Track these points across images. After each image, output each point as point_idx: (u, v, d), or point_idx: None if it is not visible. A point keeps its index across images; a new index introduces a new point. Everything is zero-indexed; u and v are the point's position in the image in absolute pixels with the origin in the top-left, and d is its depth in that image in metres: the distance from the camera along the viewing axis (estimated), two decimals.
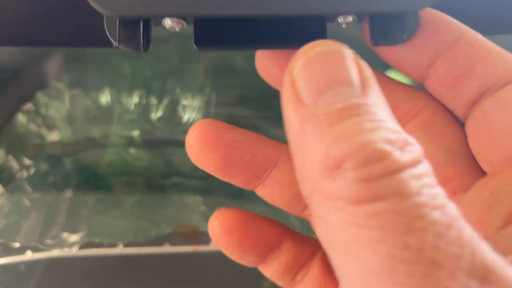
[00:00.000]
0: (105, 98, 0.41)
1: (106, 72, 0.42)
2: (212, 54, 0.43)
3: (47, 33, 0.24)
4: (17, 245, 0.38)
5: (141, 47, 0.23)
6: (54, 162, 0.46)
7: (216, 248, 0.38)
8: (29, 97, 0.47)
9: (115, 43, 0.22)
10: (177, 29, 0.24)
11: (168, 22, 0.23)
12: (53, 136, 0.47)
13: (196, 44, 0.23)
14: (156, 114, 0.40)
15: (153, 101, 0.40)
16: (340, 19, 0.22)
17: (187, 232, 0.40)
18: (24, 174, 0.43)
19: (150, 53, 0.43)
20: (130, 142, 0.41)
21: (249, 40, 0.23)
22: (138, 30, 0.23)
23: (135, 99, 0.40)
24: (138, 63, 0.42)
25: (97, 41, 0.24)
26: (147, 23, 0.23)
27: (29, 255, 0.38)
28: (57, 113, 0.48)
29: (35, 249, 0.38)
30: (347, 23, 0.23)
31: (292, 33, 0.23)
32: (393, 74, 0.63)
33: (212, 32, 0.23)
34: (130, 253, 0.39)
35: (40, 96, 0.47)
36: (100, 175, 0.43)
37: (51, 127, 0.48)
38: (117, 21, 0.22)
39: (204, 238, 0.40)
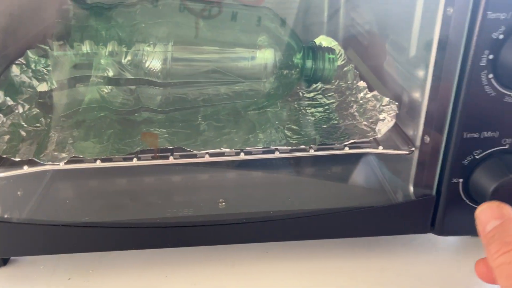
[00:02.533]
0: (85, 48, 0.51)
1: (86, 30, 0.53)
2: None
3: None
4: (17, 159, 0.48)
5: None
6: (43, 106, 0.56)
7: (172, 161, 0.49)
8: (21, 54, 0.58)
9: None
10: None
11: None
12: (42, 87, 0.58)
13: None
14: (125, 59, 0.51)
15: (123, 49, 0.51)
16: None
17: (149, 139, 0.50)
18: (20, 110, 0.54)
19: (119, 14, 0.54)
20: (106, 82, 0.52)
21: None
22: None
23: (109, 48, 0.51)
24: (111, 24, 0.53)
25: None
26: None
27: (25, 168, 0.48)
28: (44, 68, 0.58)
29: (30, 164, 0.48)
30: None
31: None
32: (322, 39, 0.75)
33: None
34: (106, 166, 0.49)
35: (29, 53, 0.58)
36: (82, 111, 0.54)
37: (40, 79, 0.58)
38: None
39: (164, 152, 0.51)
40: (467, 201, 0.49)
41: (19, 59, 0.57)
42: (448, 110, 0.46)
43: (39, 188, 0.58)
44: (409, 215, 0.52)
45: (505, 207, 0.36)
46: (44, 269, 0.53)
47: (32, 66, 0.58)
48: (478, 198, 0.48)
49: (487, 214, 0.37)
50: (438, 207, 0.51)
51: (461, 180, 0.48)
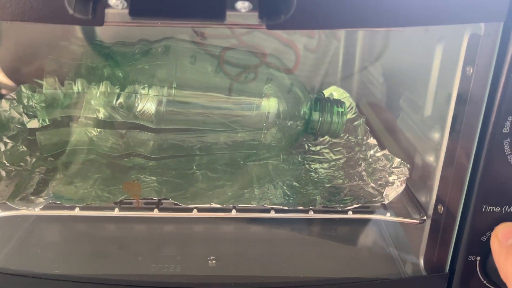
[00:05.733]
0: (76, 87, 0.48)
1: (80, 68, 0.50)
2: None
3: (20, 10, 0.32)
4: None
5: (90, 15, 0.31)
6: (31, 144, 0.53)
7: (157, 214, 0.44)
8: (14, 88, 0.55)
9: (71, 11, 0.31)
10: (120, 7, 0.33)
11: (112, 1, 0.32)
12: (32, 123, 0.55)
13: (130, 14, 0.31)
14: (117, 101, 0.48)
15: (116, 90, 0.48)
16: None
17: (132, 190, 0.46)
18: (2, 147, 0.50)
19: (116, 53, 0.51)
20: (95, 124, 0.49)
21: (167, 13, 0.31)
22: (89, 2, 0.31)
23: (101, 88, 0.48)
24: (107, 63, 0.51)
25: (56, 15, 0.32)
26: None
27: None
28: (37, 104, 0.56)
29: (4, 208, 0.44)
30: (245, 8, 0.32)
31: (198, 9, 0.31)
32: (333, 90, 0.72)
33: (141, 7, 0.31)
34: (84, 215, 0.45)
35: (23, 88, 0.55)
36: (69, 153, 0.50)
37: (31, 116, 0.55)
38: None
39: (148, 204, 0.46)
40: (484, 281, 0.44)
41: (10, 94, 0.55)
42: (465, 178, 0.41)
43: (19, 231, 0.54)
44: None
45: None
46: None
47: (25, 101, 0.56)
48: (497, 279, 0.42)
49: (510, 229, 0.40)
50: (451, 286, 0.45)
51: (478, 258, 0.43)
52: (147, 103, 0.48)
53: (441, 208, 0.44)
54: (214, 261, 0.51)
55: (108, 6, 0.32)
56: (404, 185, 0.46)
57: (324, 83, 0.74)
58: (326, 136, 0.61)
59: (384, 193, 0.46)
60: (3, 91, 0.56)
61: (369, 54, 0.72)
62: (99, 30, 0.57)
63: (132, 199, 0.46)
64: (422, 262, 0.48)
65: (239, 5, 0.31)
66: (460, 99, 0.40)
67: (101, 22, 0.33)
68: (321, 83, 0.75)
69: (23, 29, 0.57)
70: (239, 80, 0.50)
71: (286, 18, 0.31)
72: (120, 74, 0.49)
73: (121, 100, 0.48)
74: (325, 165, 0.56)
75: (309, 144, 0.61)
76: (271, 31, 0.59)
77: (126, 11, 0.32)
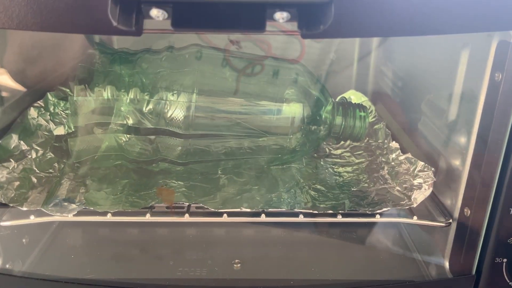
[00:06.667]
0: (106, 94, 0.49)
1: (109, 75, 0.51)
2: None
3: (62, 21, 0.33)
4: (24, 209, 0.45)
5: (133, 27, 0.32)
6: (57, 151, 0.54)
7: (188, 219, 0.45)
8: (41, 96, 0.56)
9: (114, 23, 0.31)
10: (161, 18, 0.34)
11: (154, 12, 0.33)
12: (59, 130, 0.55)
13: (172, 26, 0.32)
14: (147, 108, 0.49)
15: (145, 97, 0.49)
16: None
17: (165, 195, 0.47)
18: (33, 155, 0.51)
19: (143, 60, 0.52)
20: (125, 130, 0.49)
21: (210, 25, 0.32)
22: (132, 15, 0.32)
23: (131, 95, 0.49)
24: (135, 70, 0.51)
25: (99, 26, 0.32)
26: (139, 10, 0.32)
27: (32, 218, 0.45)
28: (63, 111, 0.56)
29: (38, 213, 0.45)
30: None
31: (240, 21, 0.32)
32: (352, 93, 0.73)
33: (184, 18, 0.32)
34: (116, 221, 0.46)
35: (49, 96, 0.56)
36: (98, 159, 0.51)
37: (57, 123, 0.56)
38: (118, 7, 0.31)
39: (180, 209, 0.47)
40: (510, 283, 0.44)
41: (38, 102, 0.55)
42: (493, 182, 0.41)
43: (45, 236, 0.55)
44: None
45: None
46: None
47: (51, 108, 0.57)
48: None
49: None
50: None
51: (505, 260, 0.43)
52: (176, 109, 0.49)
53: (468, 211, 0.44)
54: (239, 264, 0.51)
55: (149, 17, 0.33)
56: (431, 189, 0.46)
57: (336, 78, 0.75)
58: (347, 141, 0.61)
59: (413, 197, 0.46)
60: (4, 93, 0.55)
61: (386, 56, 0.73)
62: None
63: (163, 204, 0.47)
64: (447, 264, 0.48)
65: (277, 15, 0.32)
66: (488, 104, 0.41)
67: (140, 33, 0.34)
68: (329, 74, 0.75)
69: (27, 32, 0.57)
70: (266, 85, 0.51)
71: (325, 28, 0.32)
72: (148, 81, 0.50)
73: (150, 106, 0.49)
74: (349, 169, 0.56)
75: (330, 148, 0.62)
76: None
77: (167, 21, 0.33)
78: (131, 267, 0.52)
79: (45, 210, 0.45)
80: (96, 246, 0.55)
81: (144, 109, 0.49)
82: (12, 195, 0.46)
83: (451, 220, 0.47)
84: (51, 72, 0.61)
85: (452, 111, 0.48)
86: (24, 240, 0.52)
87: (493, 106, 0.40)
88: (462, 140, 0.45)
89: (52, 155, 0.54)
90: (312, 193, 0.50)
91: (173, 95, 0.49)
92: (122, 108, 0.49)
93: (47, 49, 0.60)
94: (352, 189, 0.51)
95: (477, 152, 0.43)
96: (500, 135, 0.40)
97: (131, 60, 0.52)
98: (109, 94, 0.49)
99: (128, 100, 0.49)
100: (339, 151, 0.61)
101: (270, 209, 0.47)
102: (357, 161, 0.58)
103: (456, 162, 0.47)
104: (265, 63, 0.52)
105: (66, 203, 0.47)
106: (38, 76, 0.59)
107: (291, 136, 0.52)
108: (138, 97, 0.49)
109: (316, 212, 0.46)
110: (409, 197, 0.47)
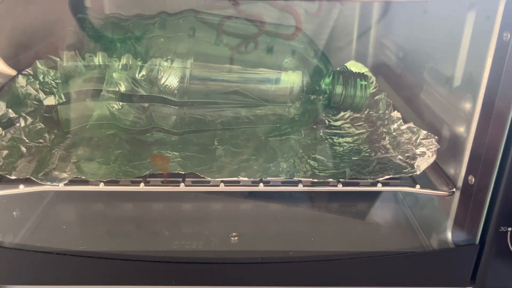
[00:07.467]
0: (97, 60, 0.47)
1: (100, 40, 0.49)
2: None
3: None
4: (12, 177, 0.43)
5: None
6: (48, 121, 0.52)
7: (184, 188, 0.44)
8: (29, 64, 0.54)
9: None
10: None
11: None
12: (49, 100, 0.53)
13: None
14: (139, 74, 0.47)
15: (138, 63, 0.47)
16: None
17: (160, 163, 0.45)
18: (22, 123, 0.49)
19: (135, 26, 0.50)
20: (118, 97, 0.47)
21: None
22: None
23: (123, 61, 0.47)
24: (127, 35, 0.49)
25: None
26: None
27: (21, 188, 0.43)
28: (53, 80, 0.54)
29: (28, 183, 0.44)
30: None
31: None
32: (352, 65, 0.71)
33: None
34: (109, 190, 0.44)
35: (38, 63, 0.54)
36: (90, 128, 0.49)
37: (47, 92, 0.54)
38: None
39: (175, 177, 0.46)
40: None
41: (26, 70, 0.53)
42: (499, 148, 0.40)
43: (38, 209, 0.54)
44: (446, 266, 0.46)
45: None
46: None
47: (40, 77, 0.54)
48: None
49: None
50: (481, 258, 0.44)
51: (509, 229, 0.42)
52: (170, 76, 0.47)
53: (472, 179, 0.43)
54: (236, 238, 0.50)
55: None
56: (435, 156, 0.45)
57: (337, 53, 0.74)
58: (347, 111, 0.60)
59: (416, 164, 0.45)
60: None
61: (386, 27, 0.71)
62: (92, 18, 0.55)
63: (158, 173, 0.45)
64: (449, 235, 0.47)
65: None
66: (496, 66, 0.39)
67: None
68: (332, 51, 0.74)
69: (19, 15, 0.55)
70: (263, 53, 0.49)
71: None
72: (140, 47, 0.48)
73: (143, 72, 0.47)
74: (349, 139, 0.55)
75: (330, 119, 0.60)
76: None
77: None
78: (125, 240, 0.50)
79: (35, 179, 0.43)
80: (90, 219, 0.54)
81: (137, 75, 0.47)
82: (0, 163, 0.44)
83: (454, 189, 0.45)
84: (43, 43, 0.59)
85: (457, 77, 0.46)
86: (15, 213, 0.51)
87: (501, 67, 0.39)
88: (467, 106, 0.44)
89: (42, 125, 0.52)
90: (312, 162, 0.49)
91: (166, 60, 0.47)
92: (114, 74, 0.47)
93: (38, 33, 0.58)
94: (353, 158, 0.50)
95: (483, 117, 0.42)
96: (508, 97, 0.38)
97: (123, 25, 0.49)
98: (100, 60, 0.47)
99: (120, 66, 0.47)
100: (339, 123, 0.59)
101: (268, 178, 0.45)
102: (357, 132, 0.57)
103: (461, 129, 0.45)
104: (264, 29, 0.50)
105: (56, 172, 0.45)
106: (31, 59, 0.57)
107: (290, 105, 0.50)
108: (130, 63, 0.47)
109: (316, 180, 0.44)
110: (411, 166, 0.46)
